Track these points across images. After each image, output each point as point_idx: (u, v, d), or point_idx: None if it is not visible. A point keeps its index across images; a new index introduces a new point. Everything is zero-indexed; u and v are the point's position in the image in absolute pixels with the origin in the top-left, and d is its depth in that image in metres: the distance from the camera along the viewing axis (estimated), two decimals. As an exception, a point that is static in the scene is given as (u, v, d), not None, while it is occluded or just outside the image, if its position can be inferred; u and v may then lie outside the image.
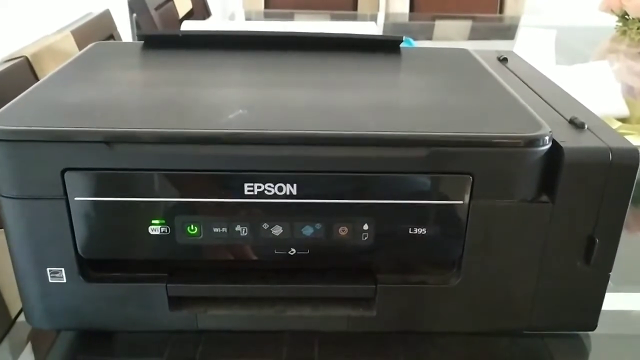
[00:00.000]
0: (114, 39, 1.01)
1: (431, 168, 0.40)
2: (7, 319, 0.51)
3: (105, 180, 0.40)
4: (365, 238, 0.42)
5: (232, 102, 0.46)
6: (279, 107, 0.45)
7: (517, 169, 0.41)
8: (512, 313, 0.46)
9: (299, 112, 0.44)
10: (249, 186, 0.40)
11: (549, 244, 0.43)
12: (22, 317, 0.48)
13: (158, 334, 0.47)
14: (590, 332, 0.48)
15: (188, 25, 0.87)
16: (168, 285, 0.44)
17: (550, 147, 0.41)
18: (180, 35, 0.60)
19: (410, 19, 2.13)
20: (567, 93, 0.53)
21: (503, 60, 0.62)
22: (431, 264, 0.46)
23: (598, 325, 0.47)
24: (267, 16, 2.03)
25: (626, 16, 1.48)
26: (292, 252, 0.43)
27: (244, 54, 0.57)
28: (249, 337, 0.48)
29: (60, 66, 0.52)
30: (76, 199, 0.40)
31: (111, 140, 0.39)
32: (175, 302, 0.45)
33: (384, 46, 0.61)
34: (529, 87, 0.54)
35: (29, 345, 0.48)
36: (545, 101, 0.50)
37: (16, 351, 0.48)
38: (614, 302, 0.48)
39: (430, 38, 1.73)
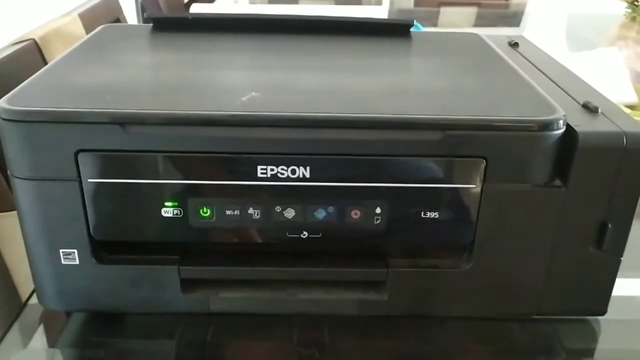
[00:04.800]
0: (120, 22, 1.00)
1: (445, 151, 0.40)
2: (17, 302, 0.51)
3: (119, 162, 0.40)
4: (378, 221, 0.42)
5: (244, 84, 0.46)
6: (292, 90, 0.45)
7: (530, 153, 0.40)
8: (522, 297, 0.46)
9: (312, 95, 0.44)
10: (262, 169, 0.40)
11: (561, 229, 0.43)
12: (34, 299, 0.49)
13: (169, 316, 0.48)
14: (599, 317, 0.48)
15: (197, 8, 0.86)
16: (180, 267, 0.44)
17: (564, 132, 0.40)
18: (190, 18, 0.60)
19: (416, 5, 2.11)
20: (579, 78, 0.53)
21: (514, 45, 0.62)
22: (443, 248, 0.46)
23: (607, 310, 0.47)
24: (271, 1, 2.01)
25: (635, 3, 1.47)
26: (304, 235, 0.43)
27: (254, 37, 0.57)
28: (259, 319, 0.48)
29: (71, 48, 0.51)
30: (89, 180, 0.40)
31: (125, 121, 0.39)
32: (188, 284, 0.45)
33: (395, 30, 0.60)
34: (540, 71, 0.53)
35: (41, 327, 0.49)
36: (558, 85, 0.50)
37: (29, 333, 0.48)
38: (623, 287, 0.48)
39: (435, 25, 1.72)
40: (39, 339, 0.48)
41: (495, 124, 0.40)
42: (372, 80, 0.48)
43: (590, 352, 0.48)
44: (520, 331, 0.48)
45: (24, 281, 0.53)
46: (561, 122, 0.40)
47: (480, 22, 1.81)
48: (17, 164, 0.40)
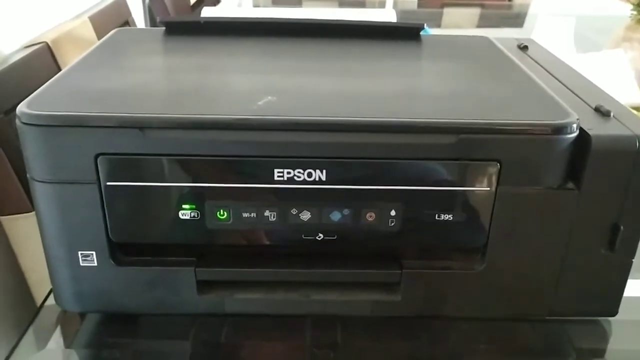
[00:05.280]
0: (129, 25, 1.01)
1: (459, 155, 0.41)
2: (32, 303, 0.52)
3: (138, 165, 0.40)
4: (392, 224, 0.43)
5: (260, 88, 0.46)
6: (307, 93, 0.46)
7: (544, 156, 0.41)
8: (535, 299, 0.47)
9: (327, 98, 0.45)
10: (278, 172, 0.41)
11: (574, 231, 0.43)
12: (50, 301, 0.49)
13: (183, 317, 0.48)
14: (610, 318, 0.49)
15: (207, 12, 0.87)
16: (197, 269, 0.45)
17: (577, 135, 0.41)
18: (203, 22, 0.60)
19: (419, 6, 2.12)
20: (590, 81, 0.53)
21: (524, 48, 0.62)
22: (456, 249, 0.46)
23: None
24: (275, 3, 2.02)
25: (641, 5, 1.47)
26: (319, 237, 0.43)
27: (266, 41, 0.58)
28: (274, 320, 0.48)
29: (86, 52, 0.52)
30: (108, 183, 0.41)
31: (144, 126, 0.39)
32: (204, 285, 0.46)
33: (405, 33, 0.61)
34: (551, 74, 0.54)
35: (58, 328, 0.49)
36: (569, 89, 0.50)
37: (45, 334, 0.49)
38: (634, 288, 0.49)
39: (439, 25, 1.73)
40: (56, 340, 0.48)
41: (510, 127, 0.40)
42: (386, 83, 0.48)
43: (601, 352, 0.49)
44: (531, 332, 0.49)
45: (39, 282, 0.54)
46: (574, 125, 0.40)
47: (484, 22, 1.82)
48: (36, 167, 0.41)
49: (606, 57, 1.01)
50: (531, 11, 1.97)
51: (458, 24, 1.80)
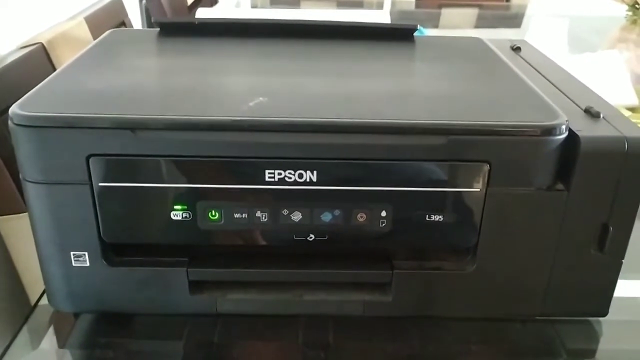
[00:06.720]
0: (125, 26, 1.01)
1: (449, 156, 0.41)
2: (26, 303, 0.52)
3: (129, 166, 0.41)
4: (383, 224, 0.43)
5: (252, 89, 0.46)
6: (298, 94, 0.46)
7: (533, 157, 0.41)
8: (525, 299, 0.47)
9: (318, 100, 0.45)
10: (269, 173, 0.41)
11: (564, 232, 0.44)
12: (43, 301, 0.49)
13: (176, 317, 0.48)
14: (601, 318, 0.49)
15: (202, 13, 0.87)
16: (188, 269, 0.45)
17: (567, 136, 0.41)
18: (197, 23, 0.60)
19: (417, 6, 2.12)
20: (581, 82, 0.53)
21: (516, 49, 0.62)
22: (447, 250, 0.46)
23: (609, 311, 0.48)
24: (273, 3, 2.02)
25: (636, 5, 1.48)
26: (310, 237, 0.44)
27: (260, 42, 0.58)
28: (266, 320, 0.49)
29: (80, 53, 0.52)
30: (100, 184, 0.41)
31: (135, 127, 0.39)
32: (196, 286, 0.46)
33: (398, 34, 0.61)
34: (543, 76, 0.54)
35: (51, 328, 0.49)
36: (560, 90, 0.50)
37: (39, 334, 0.49)
38: (624, 288, 0.49)
39: (436, 26, 1.73)
40: (49, 340, 0.49)
41: (499, 129, 0.40)
42: (377, 85, 0.48)
43: (592, 352, 0.49)
44: (522, 332, 0.49)
45: (33, 282, 0.54)
46: (564, 127, 0.41)
47: (481, 23, 1.82)
48: (29, 168, 0.41)
49: (601, 58, 1.01)
50: (529, 12, 1.97)
51: (456, 24, 1.81)
